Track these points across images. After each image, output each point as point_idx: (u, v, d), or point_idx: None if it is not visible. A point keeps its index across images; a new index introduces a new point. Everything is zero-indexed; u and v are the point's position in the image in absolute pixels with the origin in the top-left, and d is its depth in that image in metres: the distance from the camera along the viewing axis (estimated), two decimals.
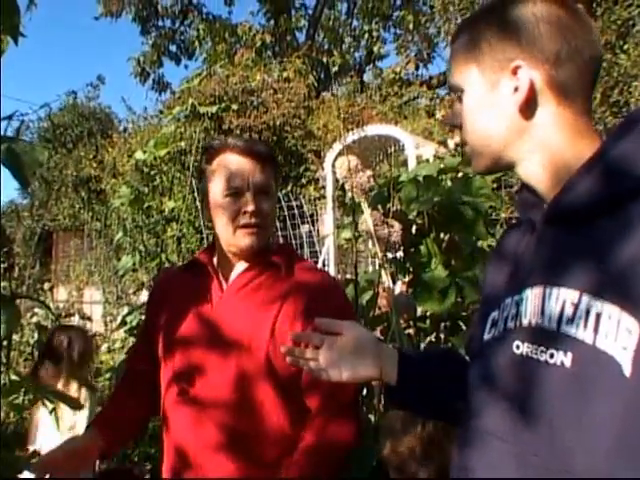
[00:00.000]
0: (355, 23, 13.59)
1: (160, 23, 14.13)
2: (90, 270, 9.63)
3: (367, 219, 1.86)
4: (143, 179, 3.09)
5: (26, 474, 1.38)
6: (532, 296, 0.81)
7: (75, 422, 2.61)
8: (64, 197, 12.06)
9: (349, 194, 1.86)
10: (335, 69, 12.31)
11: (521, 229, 0.93)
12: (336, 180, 3.56)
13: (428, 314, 2.04)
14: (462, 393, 0.92)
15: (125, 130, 12.41)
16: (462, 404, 0.91)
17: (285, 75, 10.10)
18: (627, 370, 0.69)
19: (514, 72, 0.85)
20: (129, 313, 2.94)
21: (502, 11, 0.88)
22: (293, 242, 6.56)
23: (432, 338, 2.02)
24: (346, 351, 1.03)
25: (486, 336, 0.89)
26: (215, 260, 1.48)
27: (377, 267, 2.01)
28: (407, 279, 2.03)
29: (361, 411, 1.66)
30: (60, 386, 2.84)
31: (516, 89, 0.85)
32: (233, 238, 1.39)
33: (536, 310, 0.79)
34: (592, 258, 0.75)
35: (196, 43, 13.52)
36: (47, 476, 1.36)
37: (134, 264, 2.93)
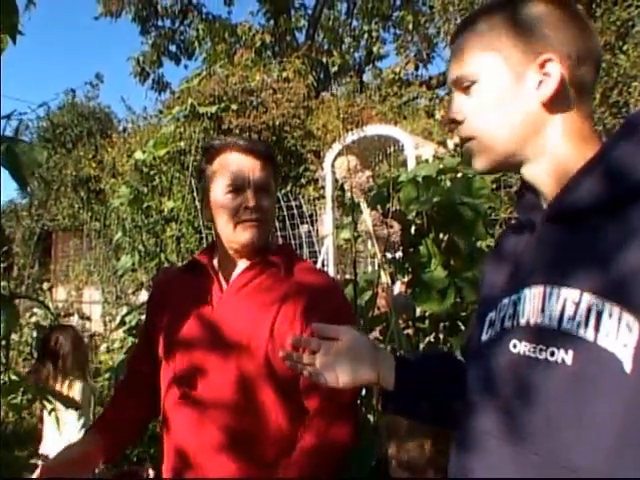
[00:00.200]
0: (355, 23, 13.60)
1: (160, 23, 14.13)
2: (89, 270, 9.63)
3: (366, 219, 1.86)
4: (142, 179, 3.08)
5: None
6: (531, 295, 0.81)
7: (65, 417, 2.61)
8: (63, 197, 12.05)
9: (348, 194, 1.86)
10: (335, 69, 12.32)
11: (520, 230, 0.93)
12: (335, 180, 3.56)
13: (427, 314, 2.04)
14: (460, 394, 0.92)
15: (124, 130, 12.40)
16: (460, 405, 0.91)
17: (285, 75, 10.10)
18: (628, 367, 0.69)
19: (542, 65, 0.83)
20: (128, 313, 2.95)
21: (516, 7, 0.86)
22: (292, 242, 6.56)
23: (431, 338, 2.02)
24: (343, 356, 1.03)
25: (483, 337, 0.89)
26: (215, 261, 1.48)
27: (376, 267, 2.01)
28: (406, 279, 2.03)
29: (360, 411, 1.66)
30: (54, 384, 2.85)
31: (540, 83, 0.84)
32: (234, 234, 1.39)
33: (536, 309, 0.79)
34: (593, 258, 0.76)
35: (196, 43, 13.51)
36: None
37: (133, 264, 2.93)
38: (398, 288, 2.15)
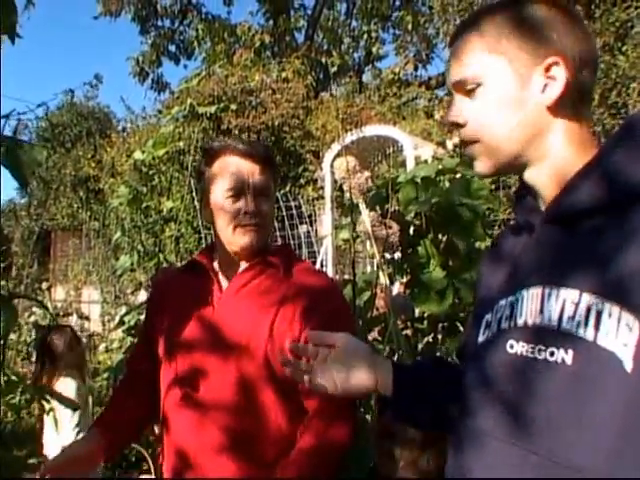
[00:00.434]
0: (354, 24, 13.59)
1: (159, 23, 14.12)
2: (88, 270, 9.63)
3: (365, 220, 1.86)
4: (141, 179, 3.08)
5: None
6: (529, 296, 0.81)
7: (63, 417, 2.61)
8: (62, 196, 12.04)
9: (347, 195, 1.87)
10: (334, 69, 12.31)
11: (518, 231, 0.93)
12: (334, 181, 3.57)
13: (426, 315, 2.04)
14: (457, 396, 0.92)
15: (124, 130, 12.40)
16: (458, 407, 0.91)
17: (284, 75, 10.09)
18: (628, 366, 0.70)
19: (547, 69, 0.83)
20: (127, 313, 2.95)
21: (520, 8, 0.86)
22: (291, 242, 6.56)
23: (430, 339, 2.02)
24: (340, 363, 1.03)
25: (480, 338, 0.89)
26: (216, 262, 1.48)
27: (375, 268, 2.02)
28: (405, 280, 2.03)
29: (358, 411, 1.66)
30: (51, 384, 2.85)
31: (545, 86, 0.83)
32: (233, 237, 1.40)
33: (534, 310, 0.79)
34: (592, 259, 0.76)
35: (195, 43, 13.50)
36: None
37: (132, 264, 2.93)
38: (397, 289, 2.15)
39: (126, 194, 2.87)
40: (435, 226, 1.97)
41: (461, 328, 1.98)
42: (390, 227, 1.87)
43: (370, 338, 1.95)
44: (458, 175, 2.07)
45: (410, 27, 11.91)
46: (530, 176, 0.88)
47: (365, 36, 13.15)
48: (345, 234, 2.05)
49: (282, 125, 8.88)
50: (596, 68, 0.87)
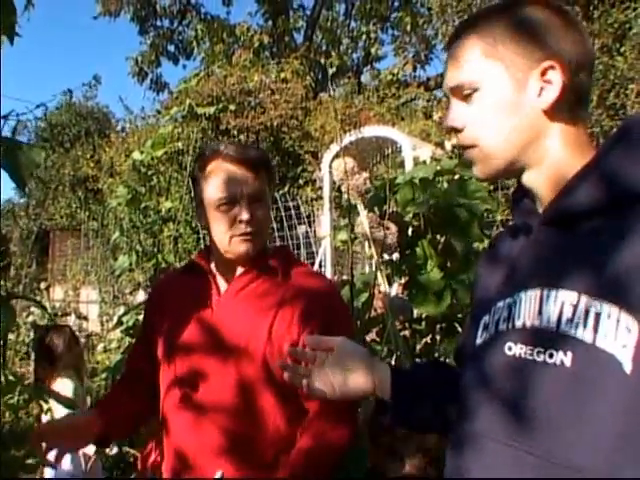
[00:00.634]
0: (353, 24, 13.61)
1: (158, 23, 14.13)
2: (87, 270, 9.61)
3: (363, 221, 1.87)
4: (140, 179, 3.08)
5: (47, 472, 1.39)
6: (527, 298, 0.81)
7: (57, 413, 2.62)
8: (61, 196, 12.04)
9: (345, 196, 1.87)
10: (333, 70, 12.31)
11: (515, 233, 0.93)
12: (333, 181, 3.57)
13: (424, 316, 2.04)
14: (455, 398, 0.92)
15: (123, 130, 12.39)
16: (455, 409, 0.91)
17: (283, 76, 10.09)
18: (627, 368, 0.70)
19: (543, 73, 0.83)
20: (125, 313, 2.94)
21: (517, 11, 0.86)
22: (290, 243, 6.56)
23: (427, 340, 2.02)
24: (338, 367, 1.03)
25: (478, 340, 0.89)
26: (213, 264, 1.48)
27: (373, 269, 2.02)
28: (403, 281, 2.03)
29: (357, 413, 1.66)
30: (49, 384, 2.85)
31: (541, 90, 0.83)
32: (229, 246, 1.39)
33: (533, 312, 0.79)
34: (590, 260, 0.76)
35: (194, 43, 13.50)
36: (43, 445, 1.36)
37: (131, 264, 2.93)
38: (395, 290, 2.15)
39: (125, 194, 2.87)
40: (433, 227, 1.97)
41: (459, 329, 1.98)
42: (388, 228, 1.87)
43: (368, 339, 1.95)
44: (456, 176, 2.07)
45: (409, 28, 11.93)
46: (528, 179, 0.88)
47: (364, 37, 13.16)
48: (343, 235, 2.05)
49: (281, 125, 8.88)
50: (593, 71, 0.87)
